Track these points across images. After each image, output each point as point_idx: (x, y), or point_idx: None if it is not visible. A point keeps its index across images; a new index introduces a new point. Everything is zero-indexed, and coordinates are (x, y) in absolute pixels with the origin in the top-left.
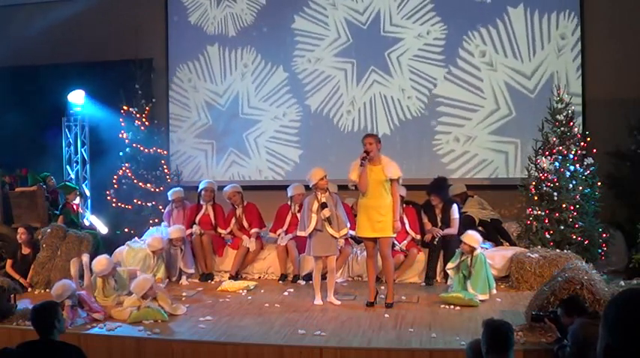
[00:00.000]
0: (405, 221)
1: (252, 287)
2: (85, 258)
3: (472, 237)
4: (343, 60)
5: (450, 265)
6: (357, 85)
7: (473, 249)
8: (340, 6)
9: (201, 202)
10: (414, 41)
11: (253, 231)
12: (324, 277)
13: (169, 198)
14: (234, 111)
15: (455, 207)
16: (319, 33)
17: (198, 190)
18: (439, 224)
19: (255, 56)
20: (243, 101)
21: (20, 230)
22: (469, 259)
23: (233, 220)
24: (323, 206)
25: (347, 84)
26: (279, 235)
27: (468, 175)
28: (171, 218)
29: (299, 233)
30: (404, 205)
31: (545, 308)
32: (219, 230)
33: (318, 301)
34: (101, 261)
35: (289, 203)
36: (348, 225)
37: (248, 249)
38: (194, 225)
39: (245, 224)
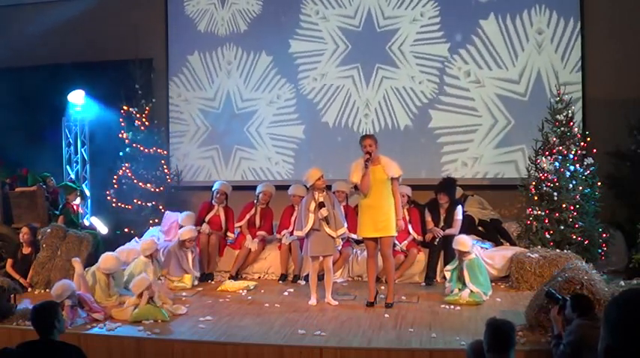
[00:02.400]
0: (410, 221)
1: (252, 287)
2: (77, 264)
3: (462, 241)
4: (347, 67)
5: (448, 267)
6: (368, 87)
7: (466, 253)
8: (331, 17)
9: (214, 203)
10: (411, 27)
11: (260, 233)
12: (321, 277)
13: (179, 221)
14: (230, 110)
15: (459, 208)
16: (317, 49)
17: (212, 190)
18: (441, 223)
19: (235, 51)
20: (236, 97)
21: (24, 229)
22: (464, 263)
23: (247, 215)
24: (320, 205)
25: (357, 89)
26: (283, 235)
27: (451, 109)
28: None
29: (296, 233)
30: (408, 205)
31: (546, 309)
32: (229, 233)
33: (312, 301)
34: (108, 259)
35: (293, 204)
36: (345, 225)
37: (250, 249)
38: (203, 224)
39: (257, 223)
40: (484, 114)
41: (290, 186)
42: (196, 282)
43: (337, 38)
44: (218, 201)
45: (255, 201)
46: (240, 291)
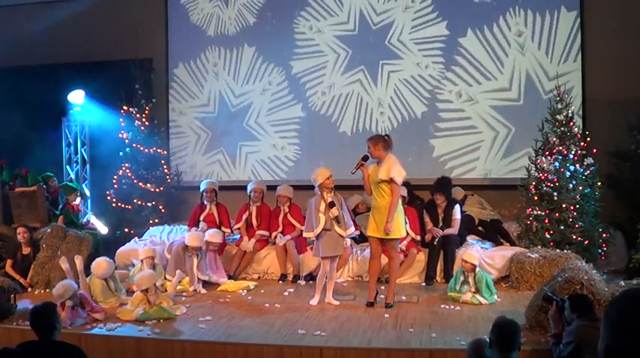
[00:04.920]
0: (406, 221)
1: (252, 287)
2: (79, 260)
3: (472, 254)
4: (341, 45)
5: (456, 286)
6: (342, 75)
7: (474, 267)
8: (325, 28)
9: (205, 202)
10: (411, 67)
11: (258, 232)
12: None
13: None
14: (241, 117)
15: (457, 207)
16: (331, 8)
17: (201, 190)
18: (440, 223)
19: (282, 79)
20: (253, 113)
21: (20, 229)
22: (471, 278)
23: (244, 216)
24: (331, 205)
25: (334, 68)
26: (275, 237)
27: (449, 132)
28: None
29: (306, 234)
30: (405, 205)
31: (546, 309)
32: (223, 228)
33: (314, 301)
34: (101, 264)
35: (277, 204)
36: (351, 223)
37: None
38: (200, 223)
39: (254, 223)
40: (484, 129)
41: (279, 185)
42: (200, 287)
43: (352, 15)
44: (208, 199)
45: (248, 201)
46: (241, 291)
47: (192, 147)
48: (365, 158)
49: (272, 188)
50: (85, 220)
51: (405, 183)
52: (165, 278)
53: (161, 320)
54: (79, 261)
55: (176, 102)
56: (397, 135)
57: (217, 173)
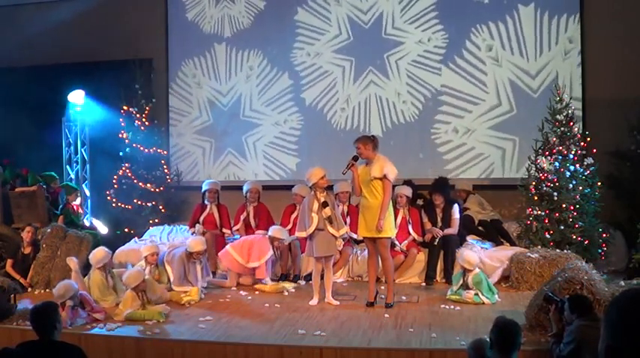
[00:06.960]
0: (409, 221)
1: (291, 289)
2: (74, 261)
3: (468, 259)
4: (342, 57)
5: (454, 287)
6: (354, 84)
7: (472, 269)
8: (344, 3)
9: (206, 202)
10: (415, 47)
11: (259, 232)
12: (321, 277)
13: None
14: (236, 112)
15: (456, 206)
16: (321, 27)
17: (202, 190)
18: (439, 223)
19: (261, 60)
20: (246, 103)
21: (28, 228)
22: (469, 278)
23: (242, 216)
24: (324, 205)
25: (344, 81)
26: None
27: (462, 168)
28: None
29: (298, 234)
30: (408, 206)
31: (546, 309)
32: (224, 230)
33: (314, 301)
34: (97, 253)
35: (294, 202)
36: (343, 223)
37: None
38: (197, 224)
39: (252, 223)
40: (491, 91)
41: (290, 186)
42: (203, 294)
43: (342, 25)
44: (210, 199)
45: (245, 202)
46: (243, 292)
47: (201, 162)
48: (355, 158)
49: (270, 188)
50: (83, 221)
51: (409, 183)
52: (170, 286)
53: (153, 321)
54: (73, 264)
55: (173, 128)
56: (419, 117)
57: (234, 173)
